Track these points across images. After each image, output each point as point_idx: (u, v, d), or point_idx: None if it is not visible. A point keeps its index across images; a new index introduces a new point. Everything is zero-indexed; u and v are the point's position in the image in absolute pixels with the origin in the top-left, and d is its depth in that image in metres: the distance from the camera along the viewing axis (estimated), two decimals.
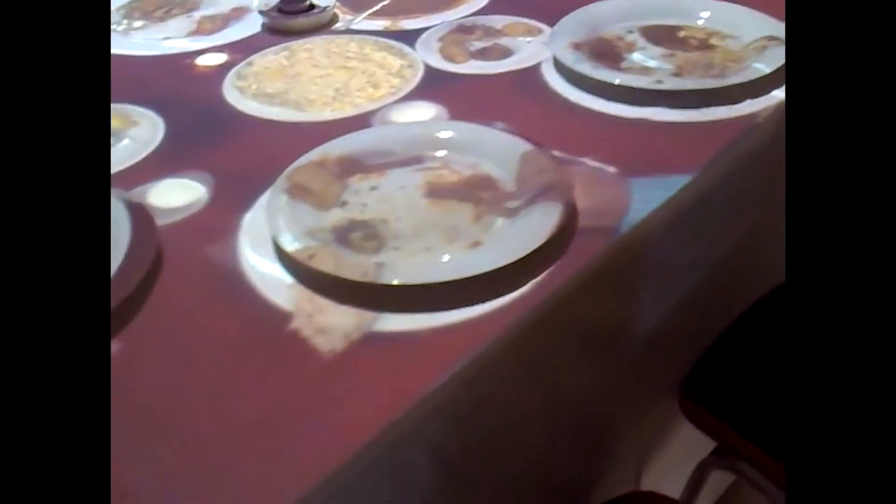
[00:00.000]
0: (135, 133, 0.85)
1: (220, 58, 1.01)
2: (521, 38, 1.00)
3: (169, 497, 0.49)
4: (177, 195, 0.74)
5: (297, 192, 0.70)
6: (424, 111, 0.86)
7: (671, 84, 0.84)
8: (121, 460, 0.50)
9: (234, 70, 0.97)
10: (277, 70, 0.97)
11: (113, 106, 0.90)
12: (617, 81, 0.84)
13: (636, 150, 0.76)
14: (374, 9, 1.11)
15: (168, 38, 1.08)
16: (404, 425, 0.52)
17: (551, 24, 1.01)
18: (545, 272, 0.62)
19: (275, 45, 1.03)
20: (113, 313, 0.59)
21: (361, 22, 1.08)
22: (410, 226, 0.67)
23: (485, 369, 0.56)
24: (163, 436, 0.52)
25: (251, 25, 1.10)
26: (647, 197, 0.69)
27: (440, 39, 1.01)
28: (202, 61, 1.01)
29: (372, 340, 0.58)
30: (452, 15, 1.07)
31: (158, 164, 0.80)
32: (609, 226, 0.66)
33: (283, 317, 0.60)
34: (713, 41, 0.94)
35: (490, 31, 1.02)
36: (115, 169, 0.79)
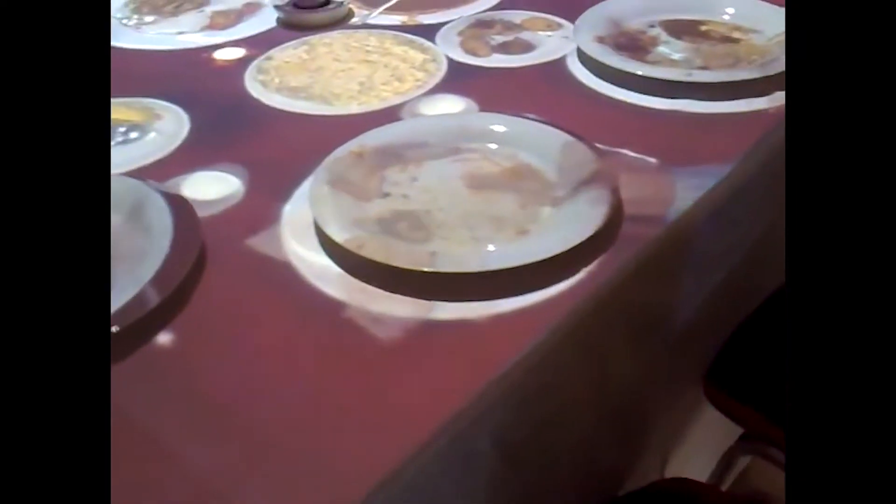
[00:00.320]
0: (160, 126, 0.84)
1: (238, 52, 1.00)
2: (541, 33, 1.00)
3: (244, 490, 0.47)
4: (211, 187, 0.73)
5: (339, 183, 0.69)
6: (454, 104, 0.85)
7: (702, 76, 0.84)
8: (191, 453, 0.49)
9: (253, 64, 0.96)
10: (298, 64, 0.96)
11: (134, 100, 0.88)
12: (647, 73, 0.84)
13: (672, 140, 0.76)
14: (390, 4, 1.10)
15: (182, 32, 1.07)
16: (472, 413, 0.51)
17: (570, 18, 1.01)
18: (597, 260, 0.61)
19: (291, 39, 1.02)
20: (162, 305, 0.58)
21: (377, 17, 1.08)
22: (455, 216, 0.67)
23: (547, 356, 0.56)
24: (227, 427, 0.51)
25: (265, 20, 1.09)
26: (690, 186, 0.70)
27: (460, 34, 1.01)
28: (220, 55, 1.00)
29: (430, 328, 0.57)
30: (468, 10, 1.07)
31: (188, 157, 0.79)
32: (656, 215, 0.66)
33: (335, 305, 0.59)
34: (736, 35, 0.94)
35: (510, 26, 1.02)
36: (144, 161, 0.78)
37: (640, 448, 0.82)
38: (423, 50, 0.97)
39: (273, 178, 0.74)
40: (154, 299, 0.58)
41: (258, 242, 0.66)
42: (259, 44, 1.02)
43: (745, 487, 0.97)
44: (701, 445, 0.94)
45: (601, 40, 0.92)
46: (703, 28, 0.97)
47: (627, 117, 0.81)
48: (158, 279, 0.60)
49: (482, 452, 0.55)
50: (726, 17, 0.97)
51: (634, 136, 0.77)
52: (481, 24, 1.03)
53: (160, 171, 0.76)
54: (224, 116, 0.86)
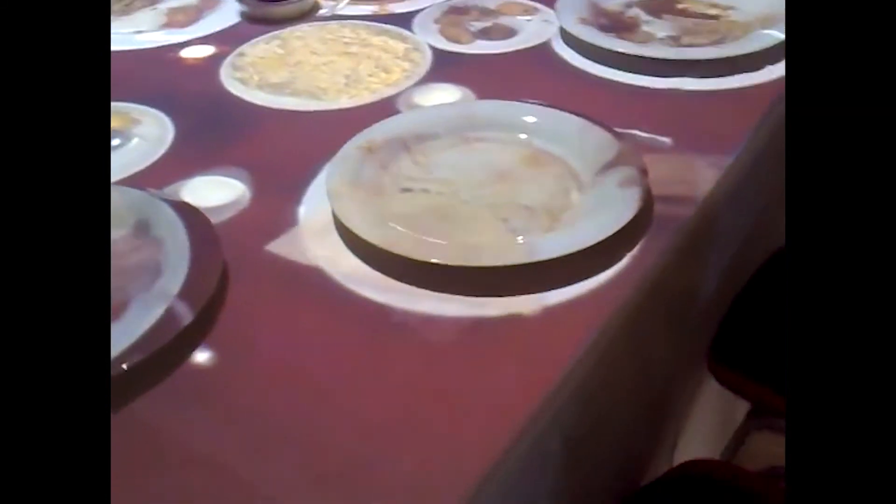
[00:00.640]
0: (142, 131, 0.79)
1: (206, 50, 0.95)
2: (520, 18, 0.98)
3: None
4: (214, 193, 0.69)
5: (355, 180, 0.66)
6: (449, 93, 0.83)
7: (694, 53, 0.84)
8: (260, 471, 0.46)
9: (227, 61, 0.92)
10: (275, 59, 0.92)
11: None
12: (649, 54, 0.83)
13: (678, 119, 0.76)
14: None
15: (140, 31, 1.01)
16: (546, 414, 0.49)
17: (544, 2, 1.00)
18: (639, 244, 0.60)
19: (259, 34, 0.98)
20: (193, 322, 0.54)
21: (346, 7, 1.04)
22: (482, 207, 0.65)
23: (610, 347, 0.54)
24: (294, 443, 0.48)
25: (227, 15, 1.04)
26: (707, 164, 0.69)
27: (437, 21, 0.98)
28: (188, 54, 0.95)
29: (482, 326, 0.55)
30: None
31: (181, 162, 0.74)
32: (686, 194, 0.65)
33: (377, 308, 0.57)
34: (713, 12, 0.95)
35: (486, 12, 1.00)
36: (134, 169, 0.73)
37: (662, 433, 0.81)
38: (403, 39, 0.94)
39: (278, 179, 0.71)
40: (187, 316, 0.54)
41: (279, 247, 0.63)
42: (226, 40, 0.97)
43: (756, 463, 0.98)
44: (704, 424, 0.94)
45: (584, 21, 0.91)
46: (680, 6, 0.97)
47: (626, 98, 0.80)
48: (185, 294, 0.56)
49: (553, 453, 0.53)
50: None
51: (639, 117, 0.76)
52: (456, 11, 1.01)
53: (154, 178, 0.71)
54: (208, 117, 0.82)
